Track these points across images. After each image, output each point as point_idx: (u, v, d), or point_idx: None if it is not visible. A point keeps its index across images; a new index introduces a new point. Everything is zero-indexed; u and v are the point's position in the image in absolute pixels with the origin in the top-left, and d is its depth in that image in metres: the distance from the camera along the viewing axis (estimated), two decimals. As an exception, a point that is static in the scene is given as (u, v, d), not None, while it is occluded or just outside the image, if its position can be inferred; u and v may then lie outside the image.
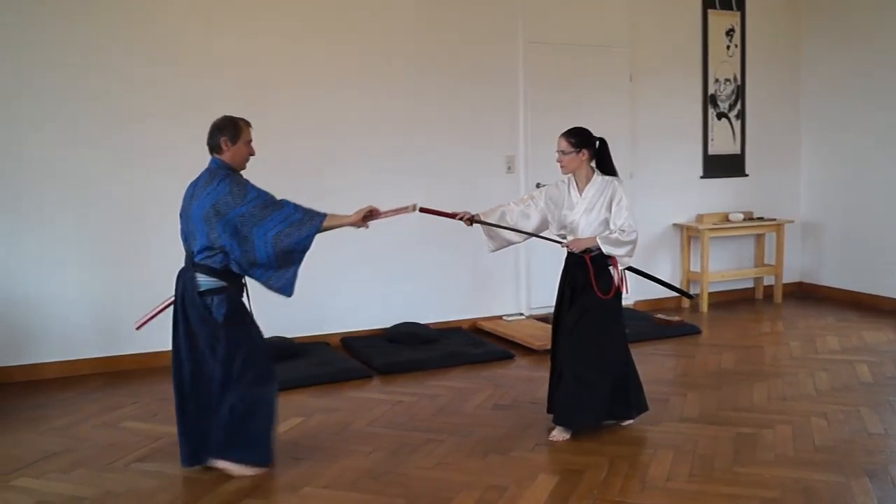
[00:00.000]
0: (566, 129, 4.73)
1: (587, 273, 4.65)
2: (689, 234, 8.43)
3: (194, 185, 4.18)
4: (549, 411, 4.92)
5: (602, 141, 4.76)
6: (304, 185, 6.77)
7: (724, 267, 8.67)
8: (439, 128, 7.26)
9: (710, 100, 8.54)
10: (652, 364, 6.25)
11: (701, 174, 8.58)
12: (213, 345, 4.14)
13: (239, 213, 4.02)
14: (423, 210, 4.66)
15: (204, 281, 4.13)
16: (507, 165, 7.53)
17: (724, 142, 8.68)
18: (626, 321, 7.20)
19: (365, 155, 7.01)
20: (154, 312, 4.58)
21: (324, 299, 6.93)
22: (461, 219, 4.72)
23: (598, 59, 7.89)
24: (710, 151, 8.60)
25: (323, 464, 4.37)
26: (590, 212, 4.67)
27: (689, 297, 5.40)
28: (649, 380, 5.78)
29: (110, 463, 4.46)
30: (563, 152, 4.69)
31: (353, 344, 6.78)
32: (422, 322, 7.11)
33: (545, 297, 7.48)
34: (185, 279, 4.18)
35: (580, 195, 4.72)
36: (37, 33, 5.97)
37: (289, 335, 6.65)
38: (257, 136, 6.61)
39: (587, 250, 4.65)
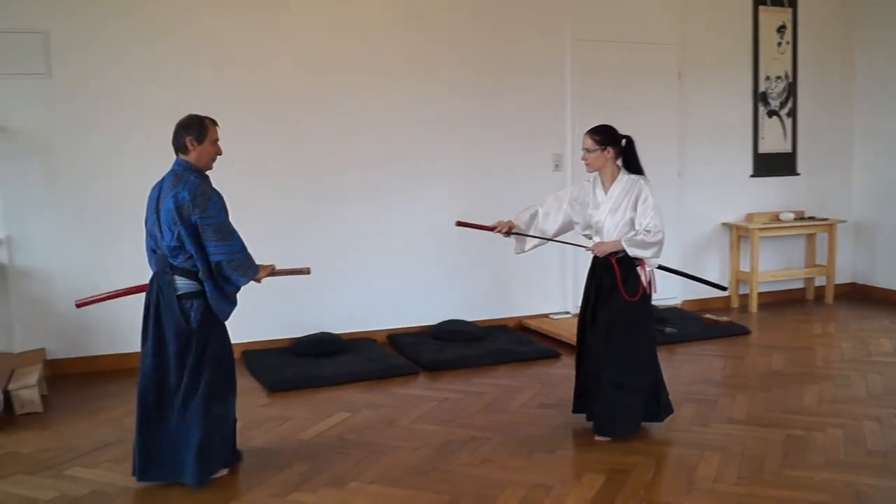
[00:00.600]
0: (591, 127, 4.67)
1: (614, 275, 4.60)
2: (738, 234, 8.33)
3: (159, 188, 4.06)
4: (576, 411, 4.88)
5: (629, 139, 4.69)
6: (349, 180, 6.87)
7: (775, 267, 8.55)
8: (485, 125, 7.26)
9: (760, 97, 8.43)
10: (700, 364, 6.21)
11: (751, 173, 8.48)
12: (183, 353, 4.02)
13: (196, 221, 3.91)
14: (459, 224, 4.67)
15: (182, 284, 4.01)
16: (555, 163, 7.51)
17: (774, 140, 8.56)
18: (674, 320, 7.24)
19: (410, 152, 7.04)
20: (103, 296, 4.39)
21: (371, 296, 6.99)
22: (499, 231, 4.71)
23: (647, 56, 7.83)
24: (761, 150, 8.49)
25: (369, 459, 4.41)
26: (615, 211, 4.61)
27: (722, 289, 5.30)
28: (697, 380, 5.76)
29: (162, 454, 4.55)
30: (587, 150, 4.62)
31: (400, 341, 6.82)
32: (468, 320, 7.13)
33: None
34: (160, 282, 4.04)
35: (605, 194, 4.66)
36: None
37: (336, 331, 6.73)
38: (305, 133, 6.72)
39: (612, 253, 4.61)
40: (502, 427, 4.87)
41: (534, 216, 4.83)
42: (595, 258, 4.73)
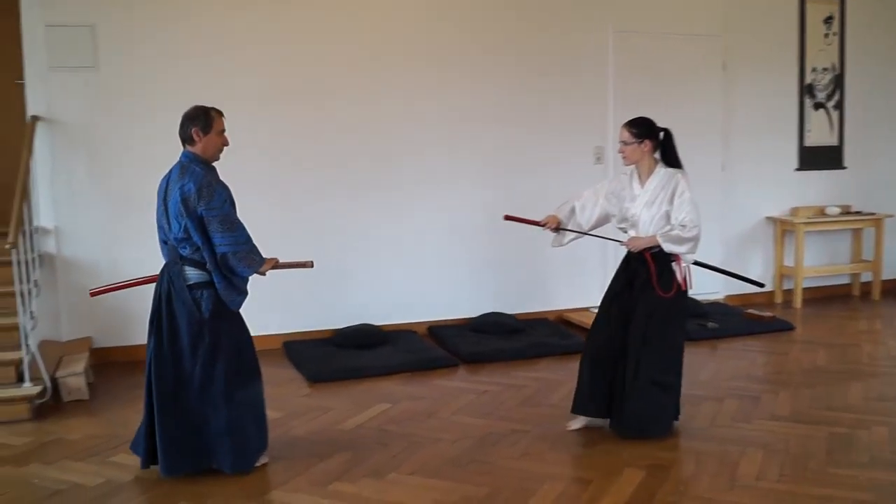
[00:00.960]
0: (629, 119, 4.62)
1: (648, 270, 4.54)
2: (783, 228, 8.22)
3: (167, 180, 4.09)
4: (584, 412, 4.70)
5: (666, 132, 4.63)
6: (392, 171, 6.90)
7: (819, 262, 8.43)
8: (527, 118, 7.24)
9: (806, 89, 8.31)
10: (743, 360, 6.14)
11: (796, 166, 8.36)
12: (195, 343, 4.04)
13: (202, 213, 3.94)
14: (507, 218, 4.65)
15: (193, 274, 4.04)
16: (596, 156, 7.47)
17: (821, 133, 8.43)
18: (716, 316, 7.18)
19: (452, 144, 7.05)
20: (116, 286, 4.48)
21: (412, 288, 7.01)
22: (548, 227, 4.67)
23: (690, 48, 7.75)
24: (806, 143, 8.37)
25: (408, 451, 4.44)
26: (651, 204, 4.54)
27: (759, 285, 5.23)
28: (739, 376, 5.71)
29: (205, 443, 4.61)
30: (624, 143, 4.57)
31: (440, 333, 6.84)
32: (508, 312, 7.12)
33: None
34: (171, 273, 4.07)
35: (642, 187, 4.60)
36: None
37: (377, 322, 6.76)
38: (346, 124, 6.75)
39: (647, 248, 4.54)
40: (542, 420, 4.86)
41: (572, 210, 4.79)
42: (629, 253, 4.68)
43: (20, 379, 5.18)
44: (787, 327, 7.12)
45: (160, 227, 4.12)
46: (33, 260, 5.70)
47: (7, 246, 5.08)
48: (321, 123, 6.68)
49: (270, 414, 5.00)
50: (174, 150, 6.22)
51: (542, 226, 4.70)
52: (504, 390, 5.49)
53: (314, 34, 6.62)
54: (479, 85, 7.09)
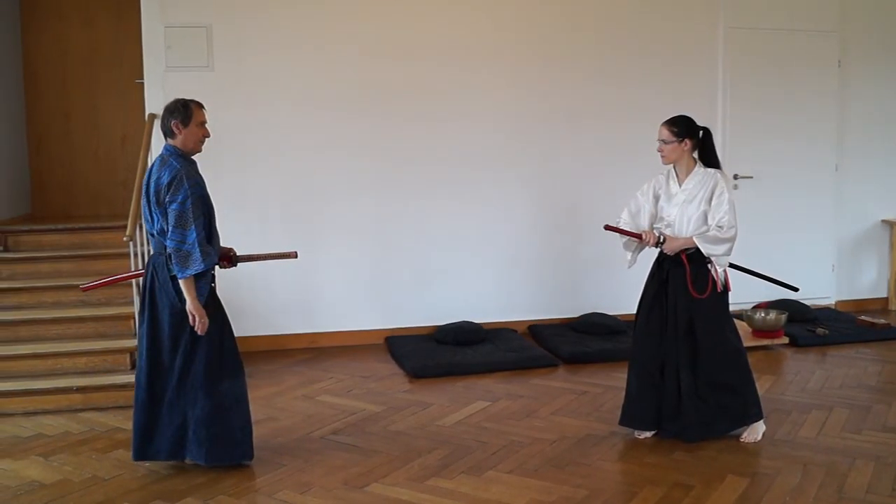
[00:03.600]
0: (668, 118, 4.50)
1: (684, 272, 4.44)
2: (900, 232, 7.91)
3: (149, 174, 4.10)
4: (625, 424, 4.63)
5: (706, 131, 4.52)
6: (494, 169, 6.91)
7: (939, 268, 8.07)
8: (632, 116, 7.14)
9: (927, 87, 7.95)
10: (853, 368, 5.93)
11: (916, 167, 8.02)
12: (176, 335, 4.07)
13: (166, 204, 3.95)
14: (607, 228, 4.60)
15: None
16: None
17: (942, 133, 8.05)
18: (826, 321, 6.95)
19: (552, 142, 7.01)
20: (108, 280, 4.55)
21: (512, 286, 7.03)
22: (647, 242, 4.52)
23: (805, 45, 7.51)
24: (927, 143, 8.01)
25: (507, 449, 4.45)
26: (688, 204, 4.44)
27: (794, 289, 5.03)
28: (850, 384, 5.53)
29: (307, 433, 4.73)
30: (664, 141, 4.47)
31: (541, 332, 6.82)
32: (610, 313, 7.05)
33: (738, 294, 7.20)
34: (155, 264, 4.10)
35: (679, 187, 4.50)
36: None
37: (477, 320, 6.79)
38: (458, 124, 6.79)
39: (683, 249, 4.44)
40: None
41: (634, 217, 4.67)
42: (662, 254, 4.58)
43: (134, 366, 5.40)
44: (901, 335, 6.84)
45: (146, 221, 4.15)
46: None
47: (124, 239, 5.31)
48: (426, 122, 6.75)
49: (371, 408, 5.13)
50: (283, 149, 6.48)
51: (641, 239, 4.59)
52: (604, 392, 5.45)
53: (417, 36, 6.69)
54: (579, 82, 7.03)
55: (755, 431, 4.53)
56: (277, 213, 6.55)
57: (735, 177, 7.44)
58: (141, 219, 5.59)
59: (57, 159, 7.15)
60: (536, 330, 6.91)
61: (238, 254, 4.48)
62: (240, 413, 4.23)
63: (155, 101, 6.26)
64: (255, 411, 5.04)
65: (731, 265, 4.59)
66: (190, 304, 4.00)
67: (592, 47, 7.04)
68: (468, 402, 5.25)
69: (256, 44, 6.41)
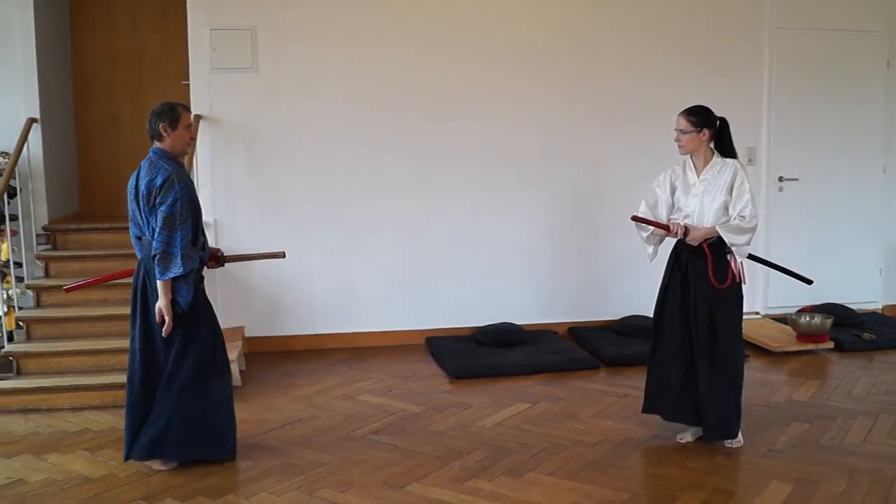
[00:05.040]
0: (686, 107, 4.48)
1: (705, 262, 4.39)
2: (951, 237, 7.74)
3: (136, 176, 4.11)
4: (648, 411, 4.64)
5: (723, 120, 4.48)
6: (538, 172, 6.90)
7: None
8: (673, 116, 7.07)
9: (979, 89, 7.79)
10: (903, 374, 5.84)
11: (967, 170, 7.85)
12: (170, 336, 4.09)
13: (156, 204, 3.97)
14: (635, 218, 4.56)
15: None
16: (748, 157, 7.23)
17: None
18: (873, 326, 6.84)
19: (596, 145, 6.98)
20: (91, 281, 4.59)
21: (553, 288, 7.00)
22: (675, 233, 4.47)
23: (852, 45, 7.40)
24: (979, 146, 7.85)
25: (547, 451, 4.43)
26: (707, 195, 4.40)
27: (808, 282, 4.93)
28: (897, 391, 5.44)
29: (348, 433, 4.75)
30: (682, 131, 4.43)
31: (581, 334, 6.79)
32: (651, 316, 6.98)
33: (783, 297, 7.18)
34: (148, 268, 4.11)
35: (697, 177, 4.46)
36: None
37: (517, 321, 6.77)
38: (503, 126, 6.78)
39: (705, 239, 4.39)
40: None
41: (653, 209, 4.64)
42: (679, 244, 4.53)
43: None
44: (956, 341, 6.69)
45: (134, 223, 4.17)
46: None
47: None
48: (466, 123, 6.75)
49: (411, 408, 5.15)
50: (323, 149, 6.53)
51: (668, 231, 4.54)
52: (645, 395, 5.41)
53: (457, 38, 6.70)
54: (622, 84, 6.99)
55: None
56: (317, 213, 6.59)
57: (780, 179, 7.35)
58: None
59: (104, 161, 7.27)
60: (577, 332, 6.88)
61: (240, 252, 4.55)
62: (227, 411, 4.30)
63: (201, 103, 6.35)
64: (296, 410, 5.13)
65: (750, 256, 4.58)
66: (162, 305, 4.02)
67: (636, 49, 6.99)
68: (508, 404, 5.25)
69: (300, 45, 6.47)
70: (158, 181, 3.98)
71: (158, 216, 3.97)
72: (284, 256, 4.70)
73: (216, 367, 4.26)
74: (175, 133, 4.13)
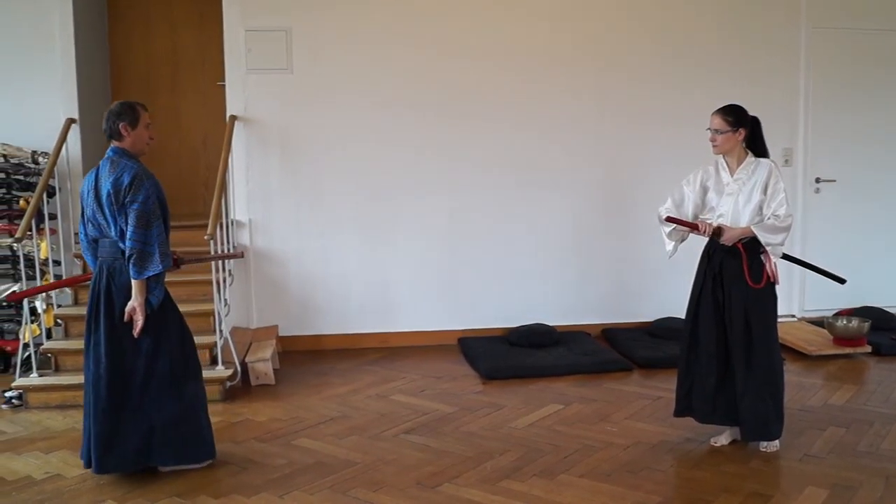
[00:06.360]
0: (721, 107, 4.43)
1: (740, 261, 4.34)
2: None
3: (95, 176, 4.04)
4: (680, 414, 4.59)
5: (755, 119, 4.43)
6: (570, 173, 6.87)
7: None
8: (707, 118, 7.01)
9: None
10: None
11: None
12: (139, 338, 4.00)
13: (125, 203, 3.90)
14: (669, 220, 4.52)
15: None
16: (784, 158, 7.15)
17: None
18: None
19: (628, 146, 6.95)
20: (39, 288, 4.62)
21: (586, 289, 6.98)
22: (704, 232, 4.41)
23: (891, 45, 7.31)
24: None
25: (580, 453, 4.42)
26: (741, 194, 4.36)
27: (841, 281, 4.84)
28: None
29: (380, 432, 4.77)
30: (717, 131, 4.39)
31: (615, 335, 6.76)
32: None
33: (820, 300, 7.10)
34: (111, 269, 4.03)
35: (731, 177, 4.42)
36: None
37: (550, 322, 6.75)
38: (535, 126, 6.76)
39: (740, 239, 4.34)
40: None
41: (678, 207, 4.60)
42: (711, 245, 4.49)
43: (213, 362, 5.54)
44: None
45: (94, 225, 4.06)
46: (229, 251, 6.06)
47: (206, 237, 5.43)
48: (501, 124, 6.75)
49: (444, 408, 5.16)
50: (358, 149, 6.56)
51: (697, 229, 4.49)
52: (679, 397, 5.37)
53: (491, 39, 6.70)
54: (659, 87, 6.94)
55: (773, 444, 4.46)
56: (351, 212, 6.62)
57: (817, 180, 7.27)
58: (222, 217, 5.77)
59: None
60: (610, 333, 6.85)
61: (190, 254, 4.45)
62: (204, 413, 4.26)
63: (236, 104, 6.41)
64: (330, 409, 5.16)
65: (784, 255, 4.52)
66: (136, 304, 3.95)
67: (669, 50, 6.94)
68: (541, 405, 5.23)
69: (334, 46, 6.50)
70: (126, 179, 3.92)
71: (130, 215, 3.91)
72: (242, 256, 4.71)
73: (188, 369, 4.20)
74: (135, 132, 4.07)
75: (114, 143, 4.09)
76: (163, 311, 4.08)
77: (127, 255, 3.92)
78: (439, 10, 6.63)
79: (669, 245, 4.65)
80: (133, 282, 3.94)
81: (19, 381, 5.34)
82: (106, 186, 3.95)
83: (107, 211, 3.97)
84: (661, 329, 6.74)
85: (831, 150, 7.29)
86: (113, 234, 3.99)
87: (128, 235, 3.91)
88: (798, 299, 7.31)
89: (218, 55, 6.64)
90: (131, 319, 3.99)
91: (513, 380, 5.79)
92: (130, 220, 3.90)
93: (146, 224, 3.92)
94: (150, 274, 3.94)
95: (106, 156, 4.08)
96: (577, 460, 4.32)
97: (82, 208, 4.13)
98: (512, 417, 5.01)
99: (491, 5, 6.70)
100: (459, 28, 6.65)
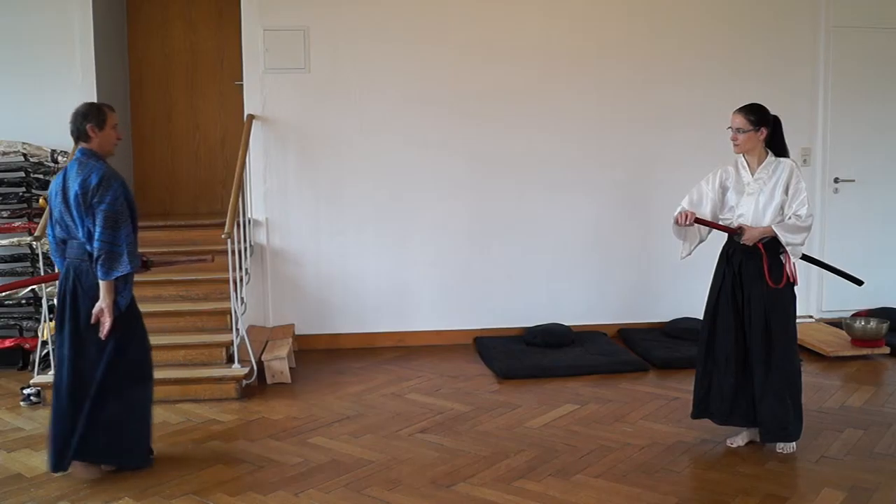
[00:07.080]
0: (742, 105, 4.41)
1: (760, 261, 4.32)
2: None
3: (63, 177, 4.02)
4: (698, 416, 4.55)
5: (776, 119, 4.40)
6: (586, 174, 6.87)
7: None
8: (724, 117, 6.98)
9: None
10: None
11: None
12: (104, 342, 3.98)
13: (93, 204, 3.89)
14: (698, 221, 4.50)
15: None
16: (803, 158, 7.11)
17: None
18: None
19: (646, 146, 6.92)
20: (8, 285, 4.63)
21: (602, 289, 6.96)
22: (735, 233, 4.40)
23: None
24: None
25: (596, 453, 4.41)
26: (761, 194, 4.33)
27: (859, 282, 4.80)
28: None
29: (396, 431, 4.78)
30: (739, 130, 4.35)
31: (631, 336, 6.74)
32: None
33: (838, 301, 7.06)
34: (78, 271, 4.02)
35: (752, 177, 4.39)
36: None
37: (566, 322, 6.75)
38: (552, 127, 6.74)
39: (760, 239, 4.32)
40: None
41: (696, 206, 4.56)
42: (729, 246, 4.47)
43: (230, 360, 5.57)
44: None
45: (61, 226, 4.05)
46: (246, 249, 6.09)
47: (223, 236, 5.46)
48: (517, 124, 6.74)
49: (459, 407, 5.17)
50: (376, 150, 6.57)
51: (729, 231, 4.47)
52: (695, 398, 5.35)
53: (511, 39, 6.70)
54: (677, 86, 6.92)
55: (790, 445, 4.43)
56: (369, 212, 6.64)
57: (836, 180, 7.22)
58: (240, 216, 5.79)
59: (159, 159, 7.41)
60: (626, 333, 6.84)
61: (168, 256, 4.51)
62: (145, 419, 4.23)
63: (254, 103, 6.44)
64: (345, 408, 5.17)
65: (803, 256, 4.51)
66: (105, 305, 3.94)
67: (689, 50, 6.91)
68: (556, 405, 5.23)
69: (352, 46, 6.52)
70: (94, 180, 3.91)
71: (98, 216, 3.89)
72: (213, 260, 4.73)
73: (142, 373, 4.20)
74: (103, 133, 4.04)
75: (81, 145, 4.07)
76: (128, 314, 4.08)
77: (95, 255, 3.91)
78: (461, 8, 6.63)
79: (683, 248, 4.65)
80: (101, 283, 3.93)
81: (37, 379, 5.37)
82: (74, 188, 3.93)
83: (74, 212, 3.95)
84: (676, 329, 6.72)
85: (850, 150, 7.24)
86: (80, 235, 3.97)
87: (96, 236, 3.90)
88: (816, 300, 7.27)
89: (236, 54, 6.68)
90: (98, 321, 3.98)
91: (528, 379, 5.78)
92: (98, 221, 3.90)
93: (114, 225, 3.92)
94: (119, 274, 3.94)
95: (74, 157, 4.08)
96: (593, 461, 4.32)
97: (50, 210, 4.13)
98: (527, 417, 5.01)
99: (514, 4, 6.70)
100: (481, 27, 6.65)
